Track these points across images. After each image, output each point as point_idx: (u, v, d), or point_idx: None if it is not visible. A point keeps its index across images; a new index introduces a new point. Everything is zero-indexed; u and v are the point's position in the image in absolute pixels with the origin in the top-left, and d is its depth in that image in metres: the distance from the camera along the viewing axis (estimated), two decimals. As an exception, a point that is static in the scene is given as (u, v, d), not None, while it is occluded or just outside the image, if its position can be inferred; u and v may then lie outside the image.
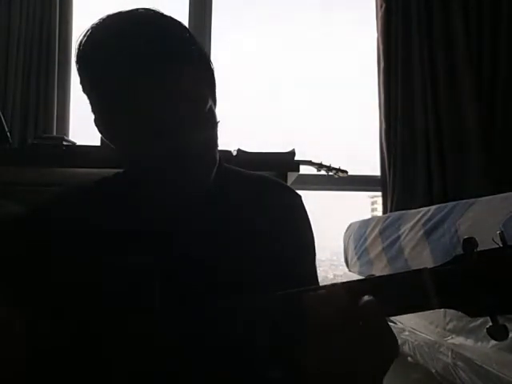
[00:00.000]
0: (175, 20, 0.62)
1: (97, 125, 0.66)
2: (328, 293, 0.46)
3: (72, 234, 0.65)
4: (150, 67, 0.57)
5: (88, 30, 0.60)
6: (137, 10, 0.61)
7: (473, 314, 0.46)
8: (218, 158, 0.67)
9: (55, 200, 0.74)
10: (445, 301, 0.45)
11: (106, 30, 0.60)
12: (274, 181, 0.79)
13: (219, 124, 0.66)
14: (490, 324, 0.44)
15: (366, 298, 0.44)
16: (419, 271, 0.46)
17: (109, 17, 0.61)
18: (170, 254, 0.62)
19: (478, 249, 0.46)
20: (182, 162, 0.60)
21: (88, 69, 0.61)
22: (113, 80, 0.58)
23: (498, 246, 0.46)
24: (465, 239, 0.46)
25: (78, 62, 0.62)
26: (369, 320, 0.43)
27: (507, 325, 0.44)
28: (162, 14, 0.62)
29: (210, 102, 0.63)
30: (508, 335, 0.44)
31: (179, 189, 0.63)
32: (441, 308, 0.46)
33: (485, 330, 0.45)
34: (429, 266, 0.47)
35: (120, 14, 0.61)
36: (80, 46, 0.61)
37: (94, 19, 0.61)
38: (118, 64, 0.57)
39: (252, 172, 0.79)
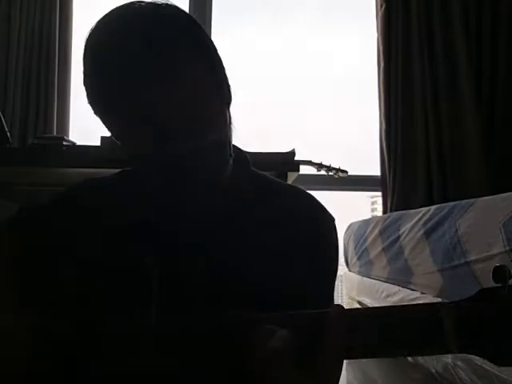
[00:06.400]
0: (181, 10, 0.62)
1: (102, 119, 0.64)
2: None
3: (73, 234, 0.65)
4: (158, 60, 0.56)
5: (93, 27, 0.60)
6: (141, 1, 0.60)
7: (502, 363, 0.38)
8: (230, 157, 0.64)
9: (58, 199, 0.73)
10: (467, 345, 0.38)
11: (110, 25, 0.59)
12: (306, 196, 0.76)
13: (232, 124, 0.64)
14: None
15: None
16: (435, 306, 0.39)
17: (114, 10, 0.60)
18: (175, 254, 0.62)
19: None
20: (189, 161, 0.58)
21: (91, 64, 0.60)
22: (118, 73, 0.57)
23: None
24: (496, 267, 0.38)
25: (84, 57, 0.61)
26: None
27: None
28: (166, 4, 0.61)
29: (219, 100, 0.62)
30: None
31: (187, 188, 0.61)
32: (460, 353, 0.38)
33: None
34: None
35: (125, 6, 0.60)
36: (86, 43, 0.60)
37: (94, 20, 0.61)
38: (125, 58, 0.56)
39: (283, 182, 0.74)
